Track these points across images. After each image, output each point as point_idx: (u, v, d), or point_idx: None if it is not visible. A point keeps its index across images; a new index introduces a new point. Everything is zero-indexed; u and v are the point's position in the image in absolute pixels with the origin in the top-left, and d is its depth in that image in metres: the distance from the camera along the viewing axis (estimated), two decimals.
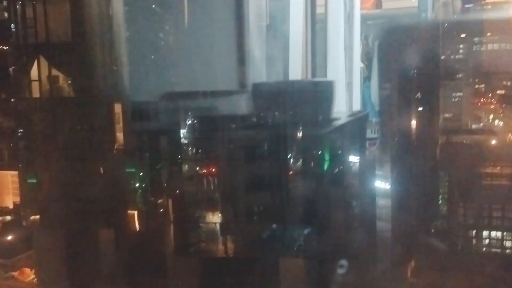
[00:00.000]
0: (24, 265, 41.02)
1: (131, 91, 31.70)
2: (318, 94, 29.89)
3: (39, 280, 38.13)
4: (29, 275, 41.06)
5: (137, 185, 33.44)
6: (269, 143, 29.70)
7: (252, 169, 30.25)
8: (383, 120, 29.66)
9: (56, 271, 35.76)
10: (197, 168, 31.47)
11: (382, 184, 29.96)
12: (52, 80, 32.65)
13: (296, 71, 36.57)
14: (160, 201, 32.52)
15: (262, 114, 29.82)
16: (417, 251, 32.89)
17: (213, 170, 31.42)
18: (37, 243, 37.01)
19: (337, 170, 31.45)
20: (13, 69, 34.20)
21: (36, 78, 32.61)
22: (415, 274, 35.96)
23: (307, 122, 29.32)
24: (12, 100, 35.27)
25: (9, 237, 40.41)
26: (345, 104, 32.22)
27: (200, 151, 31.55)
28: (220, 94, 31.52)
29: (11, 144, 38.47)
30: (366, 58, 50.83)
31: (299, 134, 29.27)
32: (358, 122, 30.24)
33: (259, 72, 35.24)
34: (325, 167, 31.48)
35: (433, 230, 41.65)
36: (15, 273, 41.32)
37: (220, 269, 33.45)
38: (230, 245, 30.69)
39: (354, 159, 30.65)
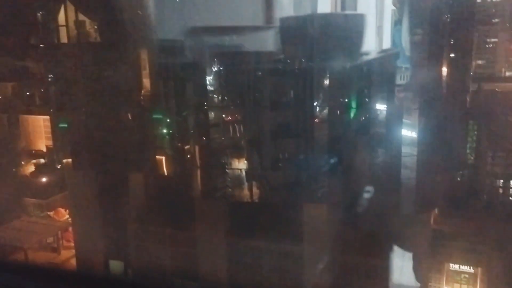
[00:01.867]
0: (59, 205, 43.06)
1: (157, 34, 31.48)
2: (349, 27, 28.19)
3: (73, 220, 40.13)
4: (64, 215, 43.16)
5: (165, 131, 34.02)
6: (297, 84, 29.29)
7: (278, 115, 30.25)
8: (413, 66, 28.76)
9: (89, 211, 37.51)
10: (223, 115, 31.68)
11: (408, 132, 29.54)
12: (79, 25, 32.69)
13: (325, 6, 34.83)
14: (187, 147, 33.14)
15: (290, 50, 28.69)
16: (442, 199, 32.94)
17: (239, 116, 31.63)
18: (70, 184, 38.65)
19: (363, 116, 31.15)
20: (40, 14, 34.32)
21: (64, 23, 32.69)
22: (438, 221, 36.32)
23: (337, 58, 28.36)
24: (42, 45, 35.64)
25: (44, 179, 42.15)
26: (375, 48, 31.16)
27: (226, 97, 31.61)
28: (246, 29, 30.57)
29: (42, 90, 39.26)
30: (398, 0, 48.74)
31: (328, 72, 28.57)
32: (388, 59, 28.99)
33: (286, 5, 33.76)
34: (352, 114, 31.20)
35: (459, 179, 41.51)
36: (51, 213, 43.49)
37: (245, 213, 34.43)
38: (255, 190, 31.35)
39: (381, 106, 30.17)
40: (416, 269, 29.43)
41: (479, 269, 35.50)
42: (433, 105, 28.53)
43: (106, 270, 39.37)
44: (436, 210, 36.30)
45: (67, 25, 32.71)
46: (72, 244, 40.91)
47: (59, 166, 38.93)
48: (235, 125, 31.79)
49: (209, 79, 30.98)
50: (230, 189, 31.63)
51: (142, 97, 33.46)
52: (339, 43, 28.23)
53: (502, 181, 43.32)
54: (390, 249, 30.21)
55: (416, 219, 29.84)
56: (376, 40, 29.86)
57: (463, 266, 37.56)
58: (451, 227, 36.19)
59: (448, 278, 38.10)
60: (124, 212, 36.74)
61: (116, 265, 39.65)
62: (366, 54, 29.92)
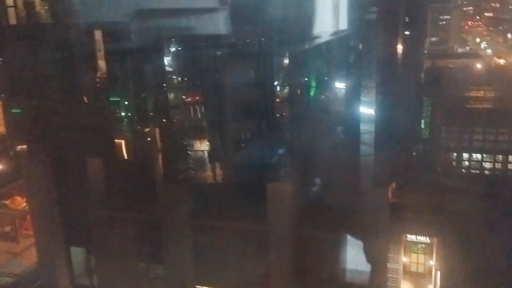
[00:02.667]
0: (15, 194, 41.71)
1: (110, 14, 30.47)
2: (305, 6, 28.41)
3: (31, 207, 39.02)
4: (21, 203, 41.92)
5: (123, 114, 33.30)
6: (256, 64, 29.29)
7: (239, 95, 30.17)
8: (368, 43, 29.23)
9: (47, 198, 36.54)
10: (183, 96, 31.28)
11: (366, 110, 30.20)
12: (29, 6, 31.19)
13: None
14: (147, 130, 32.63)
15: (245, 31, 28.69)
16: (399, 173, 34.08)
17: (198, 97, 31.33)
18: (26, 172, 37.41)
19: (323, 95, 31.54)
20: None
21: (12, 4, 31.12)
22: (395, 195, 37.66)
23: (293, 38, 28.63)
24: None
25: None
26: (331, 27, 31.36)
27: (185, 78, 31.16)
28: (198, 11, 29.99)
29: None
30: None
31: (285, 52, 28.76)
32: (345, 38, 29.31)
33: None
34: (312, 92, 31.53)
35: (415, 153, 43.00)
36: (7, 202, 42.10)
37: (208, 195, 34.47)
38: (218, 171, 31.38)
39: (340, 84, 30.63)
40: (366, 249, 30.48)
41: (435, 239, 37.26)
42: (389, 82, 29.19)
43: (67, 258, 38.77)
44: (393, 184, 37.61)
45: (15, 6, 31.14)
46: (31, 233, 39.89)
47: (12, 153, 37.51)
48: (196, 106, 31.51)
49: (167, 60, 30.40)
50: (192, 171, 31.50)
51: (97, 80, 32.52)
52: (294, 23, 28.36)
53: (455, 154, 45.39)
54: (350, 225, 31.10)
55: (375, 193, 30.77)
56: (332, 19, 30.04)
57: (420, 236, 39.31)
58: (408, 200, 37.61)
59: (406, 249, 39.77)
60: (84, 198, 36.04)
61: (77, 252, 39.06)
62: (323, 33, 30.12)
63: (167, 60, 30.33)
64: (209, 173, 31.49)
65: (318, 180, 31.76)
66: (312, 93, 31.51)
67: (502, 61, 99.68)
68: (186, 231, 33.62)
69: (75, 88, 32.78)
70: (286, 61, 29.68)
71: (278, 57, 29.43)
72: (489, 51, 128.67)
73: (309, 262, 32.22)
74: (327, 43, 30.10)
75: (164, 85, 30.67)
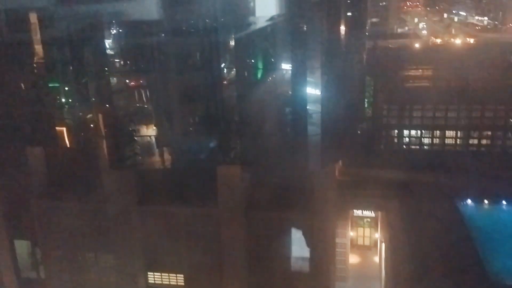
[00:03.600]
0: None
1: None
2: None
3: None
4: None
5: (63, 100, 31.95)
6: (200, 47, 28.91)
7: (185, 78, 29.70)
8: (312, 25, 29.50)
9: None
10: (127, 80, 30.38)
11: (313, 91, 30.67)
12: None
13: None
14: (89, 116, 31.50)
15: (188, 14, 28.21)
16: (345, 152, 35.08)
17: (143, 81, 30.56)
18: None
19: (270, 76, 31.69)
20: None
21: None
22: (342, 173, 38.86)
23: (238, 20, 28.43)
24: None
25: None
26: (276, 9, 31.34)
27: (128, 61, 30.22)
28: None
29: None
30: None
31: (230, 34, 28.63)
32: (287, 23, 29.38)
33: None
34: (258, 74, 31.60)
35: (359, 132, 44.35)
36: None
37: (157, 180, 33.99)
38: (167, 156, 30.95)
39: (286, 65, 30.85)
40: (316, 226, 31.39)
41: (380, 212, 38.95)
42: (334, 63, 29.74)
43: (11, 251, 37.23)
44: (340, 162, 38.75)
45: None
46: None
47: None
48: (141, 90, 30.72)
49: (109, 43, 29.32)
50: (140, 157, 30.86)
51: (35, 65, 30.89)
52: (239, 3, 28.19)
53: (396, 131, 47.29)
54: (300, 204, 31.78)
55: (323, 172, 31.54)
56: (277, 1, 30.09)
57: (366, 211, 40.97)
58: (354, 177, 38.97)
59: (353, 224, 41.39)
60: (26, 189, 34.55)
61: (22, 245, 37.59)
62: (268, 15, 30.15)
63: (108, 43, 29.26)
64: (157, 158, 31.00)
65: (267, 161, 32.08)
66: (259, 75, 31.58)
67: (438, 41, 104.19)
68: (135, 218, 33.10)
69: (10, 74, 31.03)
70: (232, 43, 29.49)
71: (223, 39, 29.19)
72: (427, 31, 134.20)
73: (261, 242, 32.73)
74: (272, 24, 30.19)
75: (106, 69, 29.61)
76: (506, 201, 33.63)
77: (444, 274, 25.74)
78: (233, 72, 30.08)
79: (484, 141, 43.02)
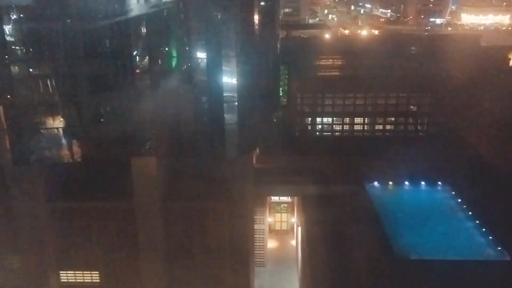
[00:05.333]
0: None
1: None
2: None
3: None
4: None
5: None
6: (109, 33, 27.59)
7: (95, 66, 28.20)
8: (227, 13, 29.40)
9: None
10: (30, 69, 28.20)
11: (229, 79, 30.69)
12: None
13: None
14: None
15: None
16: (261, 139, 35.68)
17: (48, 70, 28.52)
18: None
19: (185, 65, 31.05)
20: None
21: None
22: (259, 160, 39.58)
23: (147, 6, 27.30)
24: None
25: None
26: None
27: (31, 49, 28.02)
28: None
29: None
30: None
31: (142, 20, 27.66)
32: (201, 10, 28.90)
33: None
34: (173, 63, 30.88)
35: (275, 120, 45.32)
36: None
37: (68, 175, 32.23)
38: (76, 149, 29.30)
39: (201, 54, 30.49)
40: (234, 214, 31.75)
41: (296, 198, 40.27)
42: (249, 52, 29.93)
43: None
44: (257, 150, 39.39)
45: None
46: None
47: None
48: (46, 79, 28.66)
49: (8, 29, 26.95)
50: (47, 151, 28.94)
51: None
52: None
53: (310, 119, 49.00)
54: (218, 193, 31.87)
55: (240, 160, 31.85)
56: None
57: (283, 197, 42.16)
58: (270, 164, 39.85)
59: (271, 210, 42.43)
60: None
61: None
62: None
63: (8, 29, 26.90)
64: (66, 151, 29.21)
65: (184, 151, 31.66)
66: (173, 64, 30.89)
67: (347, 32, 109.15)
68: (43, 217, 31.17)
69: None
70: (144, 29, 28.53)
71: (135, 25, 28.15)
72: (336, 22, 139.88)
73: (180, 234, 32.42)
74: (185, 10, 29.53)
75: (6, 57, 27.22)
76: (408, 182, 36.40)
77: (354, 252, 27.31)
78: (146, 60, 29.17)
79: (388, 127, 45.98)
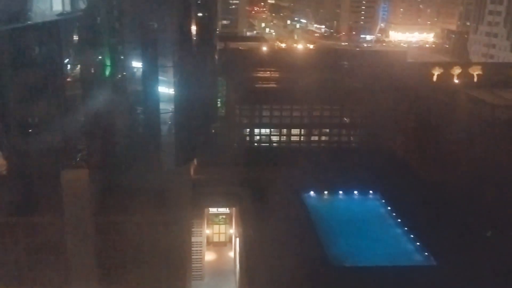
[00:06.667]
0: None
1: None
2: None
3: None
4: None
5: None
6: (37, 40, 26.35)
7: (20, 74, 26.78)
8: (164, 22, 29.06)
9: None
10: None
11: (166, 90, 30.25)
12: None
13: None
14: None
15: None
16: (199, 151, 35.41)
17: None
18: None
19: (119, 74, 30.25)
20: None
21: None
22: (197, 171, 39.18)
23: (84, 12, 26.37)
24: None
25: None
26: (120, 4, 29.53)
27: None
28: None
29: None
30: None
31: (73, 27, 26.67)
32: (135, 19, 28.27)
33: None
34: (107, 72, 30.00)
35: (213, 131, 45.20)
36: None
37: None
38: (1, 161, 27.58)
39: (137, 63, 29.84)
40: (171, 227, 31.23)
41: (234, 208, 40.16)
42: (186, 62, 29.74)
43: None
44: (195, 162, 38.99)
45: None
46: None
47: None
48: None
49: None
50: None
51: None
52: None
53: (248, 130, 49.33)
54: (155, 205, 31.15)
55: (177, 172, 31.38)
56: None
57: (221, 208, 41.91)
58: (208, 175, 39.57)
59: (209, 221, 41.99)
60: None
61: None
62: (113, 9, 28.65)
63: None
64: None
65: (119, 163, 30.72)
66: (107, 72, 30.00)
67: (283, 45, 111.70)
68: None
69: None
70: (76, 37, 27.59)
71: (66, 32, 27.14)
72: (273, 35, 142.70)
73: (112, 249, 31.24)
74: (121, 18, 28.86)
75: None
76: (342, 191, 37.59)
77: (291, 262, 27.66)
78: (78, 68, 28.18)
79: (323, 138, 47.38)
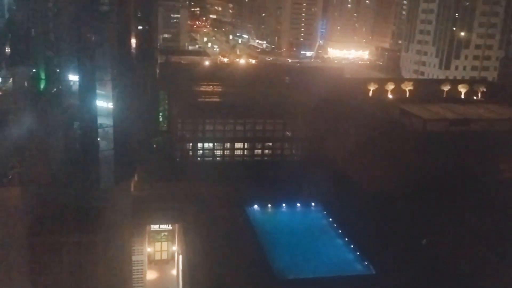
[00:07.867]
0: None
1: None
2: None
3: None
4: None
5: None
6: None
7: None
8: (102, 35, 28.34)
9: None
10: None
11: (104, 104, 29.37)
12: None
13: None
14: None
15: None
16: (140, 166, 34.60)
17: None
18: None
19: (55, 87, 29.07)
20: None
21: None
22: (137, 187, 38.14)
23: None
24: None
25: None
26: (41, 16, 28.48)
27: None
28: None
29: None
30: None
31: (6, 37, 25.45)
32: (74, 31, 27.35)
33: None
34: (41, 85, 28.73)
35: (155, 146, 44.37)
36: None
37: None
38: None
39: (73, 76, 28.81)
40: (110, 247, 30.17)
41: (176, 225, 39.33)
42: (126, 76, 29.12)
43: None
44: (136, 177, 37.95)
45: None
46: None
47: None
48: None
49: None
50: None
51: None
52: None
53: (191, 144, 48.84)
54: (92, 224, 29.93)
55: (117, 188, 30.41)
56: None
57: (163, 225, 40.90)
58: (150, 191, 38.60)
59: (150, 239, 40.79)
60: None
61: None
62: (42, 18, 27.61)
63: None
64: None
65: (54, 180, 29.31)
66: (42, 86, 28.72)
67: (226, 60, 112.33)
68: None
69: None
70: (8, 49, 26.24)
71: None
72: (215, 50, 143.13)
73: (47, 271, 29.54)
74: (56, 30, 27.80)
75: None
76: (285, 204, 38.01)
77: (235, 276, 27.47)
78: (10, 81, 26.78)
79: (266, 151, 47.85)
